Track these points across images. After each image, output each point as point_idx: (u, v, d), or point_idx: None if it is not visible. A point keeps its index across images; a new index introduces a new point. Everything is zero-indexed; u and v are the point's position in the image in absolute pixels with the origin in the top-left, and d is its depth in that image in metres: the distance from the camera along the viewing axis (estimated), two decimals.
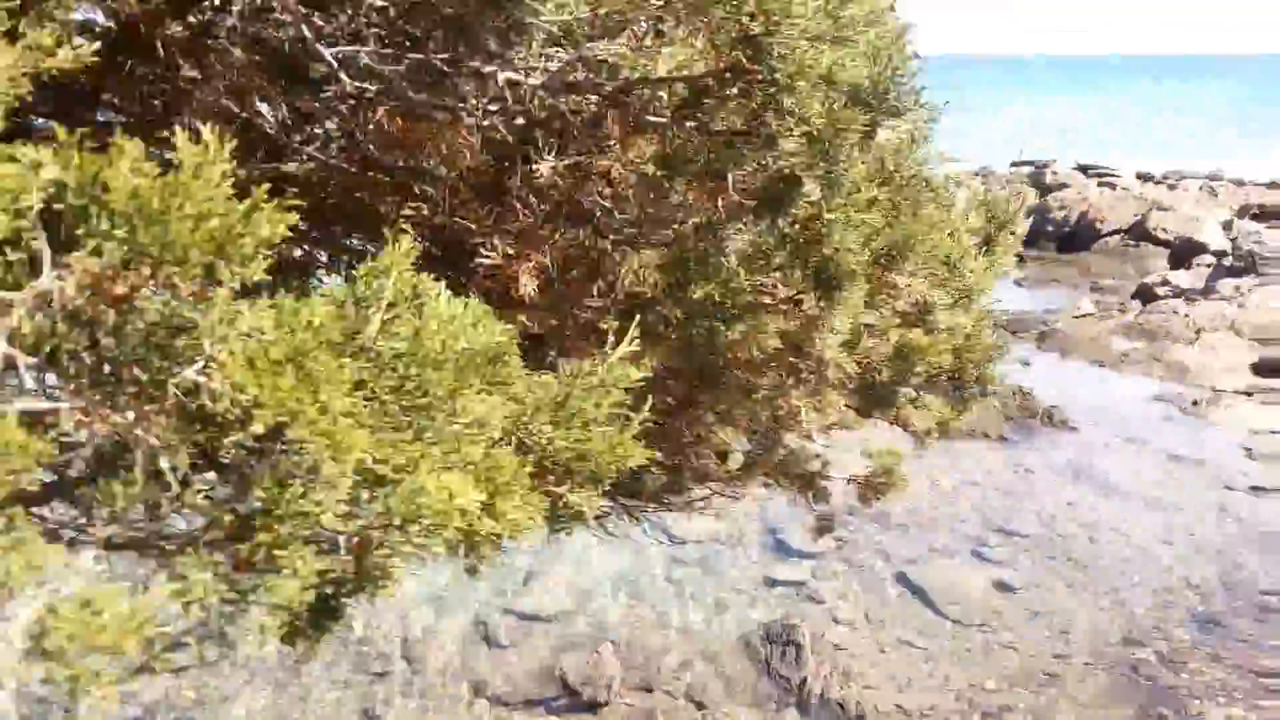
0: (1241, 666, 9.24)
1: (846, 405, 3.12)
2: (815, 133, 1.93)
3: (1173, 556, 11.17)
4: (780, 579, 10.64)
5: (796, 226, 2.18)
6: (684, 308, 2.26)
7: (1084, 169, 33.77)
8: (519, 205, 2.13)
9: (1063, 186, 29.65)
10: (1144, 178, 33.21)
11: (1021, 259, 25.44)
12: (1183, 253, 23.89)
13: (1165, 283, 21.23)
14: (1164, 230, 25.45)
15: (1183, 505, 12.37)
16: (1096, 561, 11.08)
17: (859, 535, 11.59)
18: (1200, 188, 28.96)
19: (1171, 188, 30.13)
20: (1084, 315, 20.44)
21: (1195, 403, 15.66)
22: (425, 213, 2.13)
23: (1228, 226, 24.93)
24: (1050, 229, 27.33)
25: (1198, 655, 9.37)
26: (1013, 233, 3.96)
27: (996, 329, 3.61)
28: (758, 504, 12.10)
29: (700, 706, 8.58)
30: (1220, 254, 22.98)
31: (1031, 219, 26.53)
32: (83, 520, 1.43)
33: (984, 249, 3.74)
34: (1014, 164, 36.35)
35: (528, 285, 2.08)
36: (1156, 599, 10.32)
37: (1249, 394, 16.16)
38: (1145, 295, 21.11)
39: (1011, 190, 3.92)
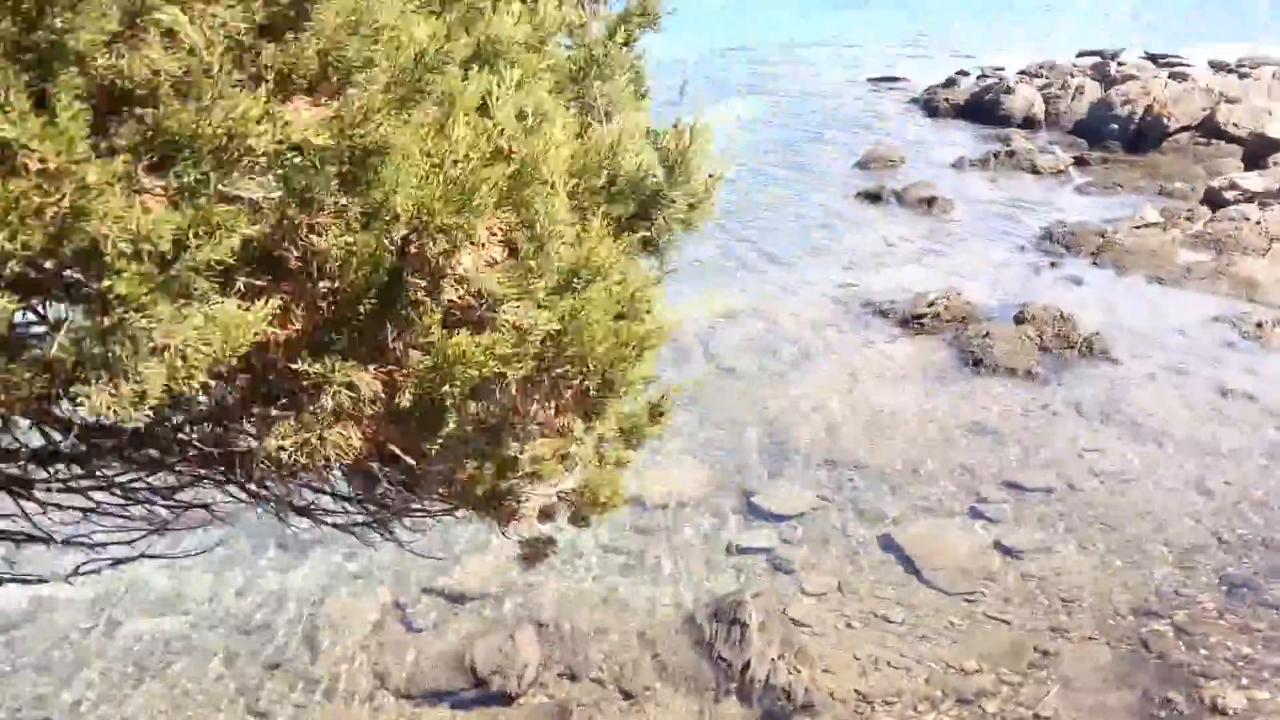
0: (1273, 639, 8.62)
1: (367, 436, 2.54)
2: None
3: (1207, 509, 10.49)
4: (746, 546, 10.18)
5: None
6: None
7: (1153, 58, 32.11)
8: None
9: (1130, 79, 28.15)
10: (1217, 67, 31.45)
11: (1083, 161, 24.30)
12: (1256, 150, 22.54)
13: (1234, 186, 20.03)
14: (1235, 125, 24.06)
15: (1226, 448, 11.62)
16: (1116, 517, 10.43)
17: (844, 492, 11.05)
18: (1274, 75, 27.24)
19: (1243, 77, 28.42)
20: (1147, 225, 19.39)
21: (1260, 325, 14.74)
22: None
23: None
24: (1115, 127, 26.04)
25: (1222, 626, 8.76)
26: (711, 176, 3.26)
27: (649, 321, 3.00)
28: (733, 463, 11.63)
29: (628, 696, 8.20)
30: None
31: (1094, 115, 25.21)
32: None
33: (655, 204, 3.09)
34: (1080, 54, 34.70)
35: None
36: (1181, 560, 9.68)
37: None
38: (1214, 200, 19.96)
39: (682, 121, 3.20)
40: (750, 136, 27.81)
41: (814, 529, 10.44)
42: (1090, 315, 15.21)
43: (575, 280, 2.69)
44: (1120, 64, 30.74)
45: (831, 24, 50.85)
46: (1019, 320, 14.84)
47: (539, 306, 2.62)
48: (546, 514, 3.95)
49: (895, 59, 40.03)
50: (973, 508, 10.70)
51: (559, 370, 2.82)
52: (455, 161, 2.25)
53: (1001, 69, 33.35)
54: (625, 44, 3.83)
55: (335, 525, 4.70)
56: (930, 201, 21.14)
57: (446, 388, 2.47)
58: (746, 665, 8.31)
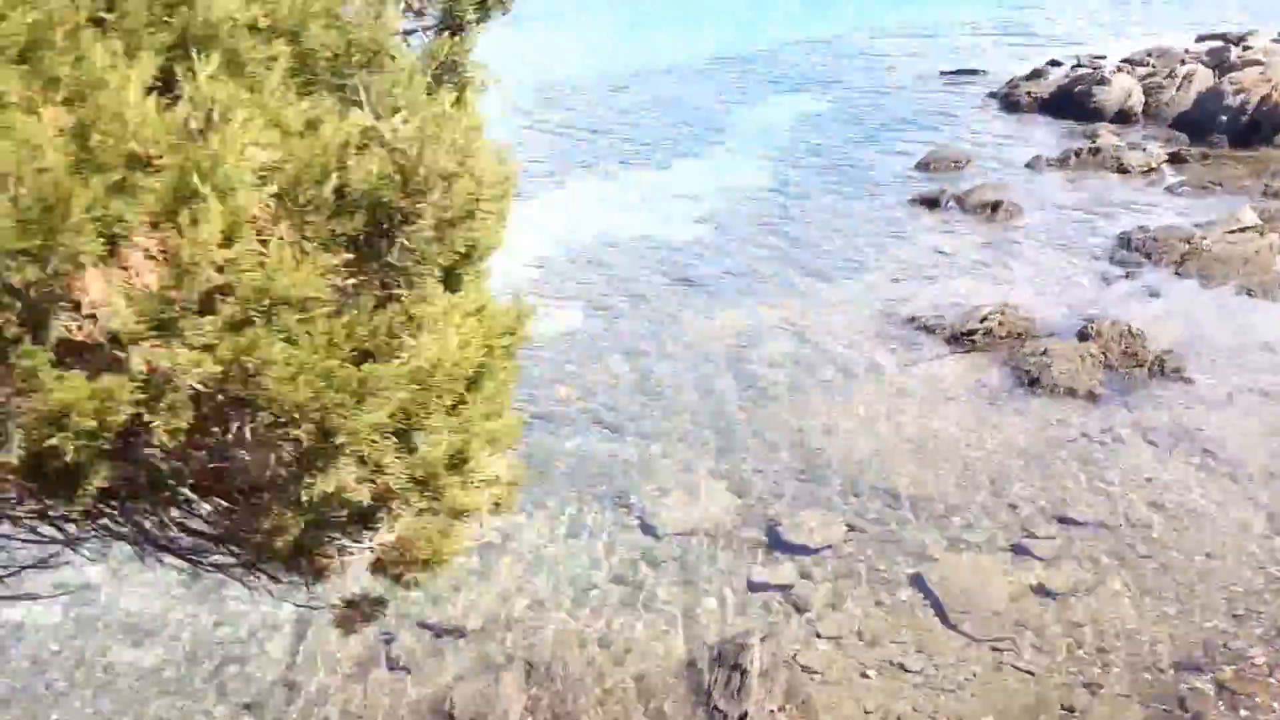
0: None
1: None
2: None
3: (1275, 551, 9.91)
4: (764, 582, 9.95)
5: None
6: None
7: None
8: None
9: (1252, 64, 26.81)
10: None
11: (1179, 158, 23.13)
12: None
13: None
14: None
15: None
16: (1173, 557, 9.93)
17: (878, 524, 10.72)
18: None
19: None
20: (1243, 229, 18.47)
21: None
22: None
23: None
24: (1224, 119, 24.86)
25: (1271, 686, 8.26)
26: (480, 185, 2.91)
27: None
28: (760, 490, 11.39)
29: None
30: None
31: (1200, 106, 23.90)
32: None
33: (388, 220, 2.78)
34: (1199, 39, 33.26)
35: None
36: (1235, 607, 9.16)
37: None
38: None
39: (416, 114, 2.82)
40: (804, 136, 27.22)
41: (840, 564, 10.15)
42: (1166, 330, 14.54)
43: (255, 313, 2.49)
44: (1246, 48, 29.26)
45: (914, 11, 49.44)
46: (1082, 336, 14.25)
47: (204, 346, 2.44)
48: (380, 567, 3.80)
49: (982, 50, 38.78)
50: (1017, 544, 10.29)
51: (269, 418, 2.63)
52: (40, 170, 2.10)
53: (1102, 58, 32.05)
54: (450, 29, 3.58)
55: (213, 565, 4.59)
56: (994, 206, 20.34)
57: (57, 440, 2.33)
58: (743, 717, 8.11)
